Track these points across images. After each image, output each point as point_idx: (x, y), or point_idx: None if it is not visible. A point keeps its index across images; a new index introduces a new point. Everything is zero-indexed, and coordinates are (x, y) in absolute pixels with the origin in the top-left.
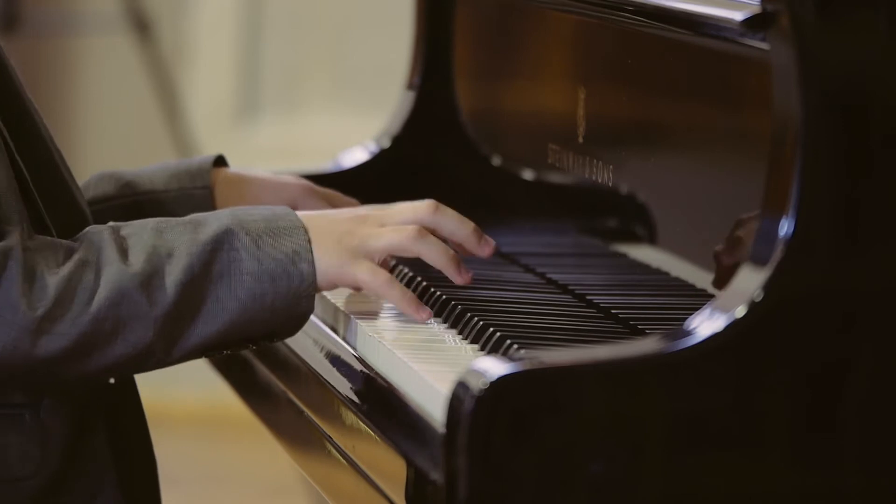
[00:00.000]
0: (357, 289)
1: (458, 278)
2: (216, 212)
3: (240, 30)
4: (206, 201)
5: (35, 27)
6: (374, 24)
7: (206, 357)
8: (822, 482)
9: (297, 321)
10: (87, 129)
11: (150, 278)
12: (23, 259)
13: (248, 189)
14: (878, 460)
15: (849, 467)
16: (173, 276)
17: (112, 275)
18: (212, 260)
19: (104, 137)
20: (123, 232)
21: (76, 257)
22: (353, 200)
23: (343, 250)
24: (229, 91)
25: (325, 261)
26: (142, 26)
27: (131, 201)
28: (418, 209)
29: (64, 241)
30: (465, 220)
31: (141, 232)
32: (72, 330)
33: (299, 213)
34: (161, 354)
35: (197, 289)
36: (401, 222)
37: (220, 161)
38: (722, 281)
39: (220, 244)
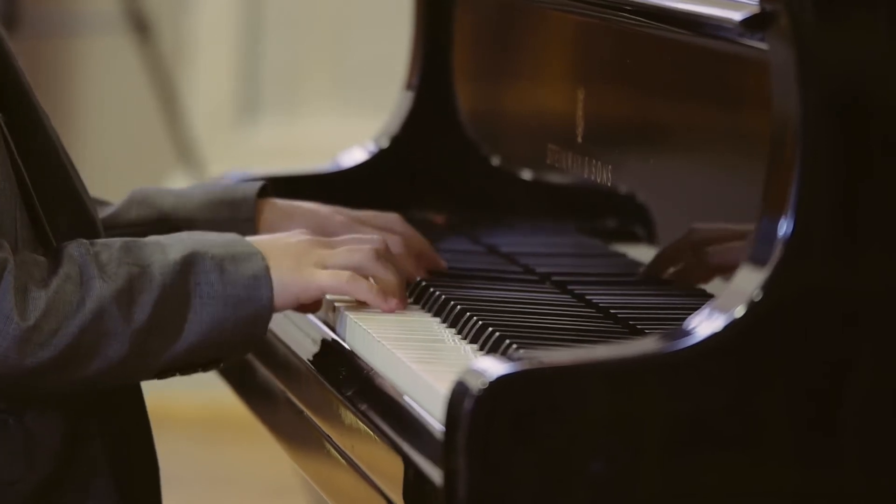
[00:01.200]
0: (319, 299)
1: (384, 306)
2: (172, 235)
3: (239, 30)
4: (250, 232)
5: (35, 27)
6: (374, 24)
7: (161, 378)
8: (822, 482)
9: (249, 345)
10: (87, 130)
11: (128, 295)
12: (15, 271)
13: (297, 220)
14: (878, 460)
15: (848, 467)
16: (147, 293)
17: (94, 290)
18: (182, 282)
19: (104, 138)
20: (95, 249)
21: (61, 272)
22: (393, 215)
23: (302, 266)
24: (229, 91)
25: (285, 280)
26: (142, 26)
27: (171, 228)
28: (363, 250)
29: (41, 258)
30: (415, 243)
31: (112, 250)
32: (58, 342)
33: (252, 239)
34: (130, 371)
35: (168, 308)
36: (344, 261)
37: (264, 190)
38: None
39: (188, 266)
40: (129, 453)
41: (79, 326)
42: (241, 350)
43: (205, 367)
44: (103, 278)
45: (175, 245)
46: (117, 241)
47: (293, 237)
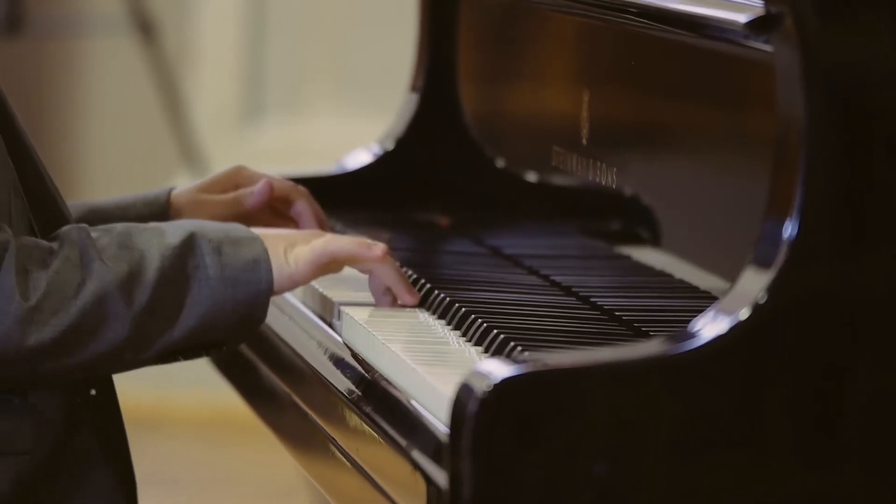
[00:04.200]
0: (331, 262)
1: (372, 254)
2: (173, 221)
3: (243, 32)
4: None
5: (38, 29)
6: (378, 26)
7: (160, 364)
8: (826, 484)
9: (250, 328)
10: (91, 131)
11: (128, 278)
12: (17, 253)
13: (208, 204)
14: (882, 462)
15: (852, 469)
16: (147, 276)
17: (94, 272)
18: (181, 265)
19: (108, 139)
20: (94, 233)
21: (62, 254)
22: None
23: (297, 250)
24: (233, 93)
25: (281, 262)
26: (145, 28)
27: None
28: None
29: (42, 241)
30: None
31: (111, 234)
32: (59, 323)
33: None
34: (129, 355)
35: (169, 291)
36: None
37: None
38: None
39: (187, 249)
40: (108, 450)
41: (80, 308)
42: (243, 333)
43: (206, 352)
44: (103, 261)
45: (174, 230)
46: (117, 226)
47: (287, 229)
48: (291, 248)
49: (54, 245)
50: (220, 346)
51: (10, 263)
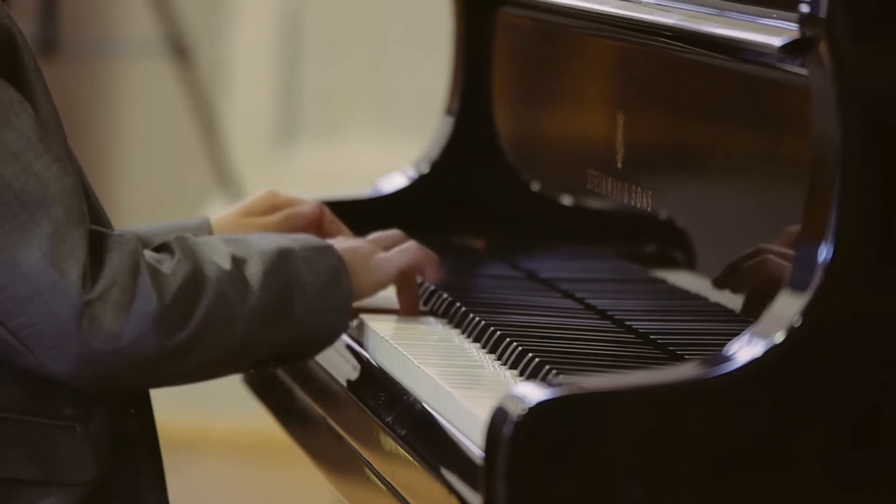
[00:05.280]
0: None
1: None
2: (251, 233)
3: (278, 54)
4: None
5: (73, 51)
6: (413, 48)
7: (255, 369)
8: None
9: (331, 337)
10: (125, 154)
11: (240, 280)
12: (145, 256)
13: (256, 229)
14: None
15: (887, 493)
16: (256, 280)
17: (212, 275)
18: (281, 270)
19: (142, 162)
20: (191, 241)
21: (177, 257)
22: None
23: (365, 259)
24: (267, 116)
25: (357, 270)
26: (180, 51)
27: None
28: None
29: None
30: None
31: (212, 241)
32: (190, 322)
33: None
34: (238, 357)
35: (273, 296)
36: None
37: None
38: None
39: (284, 256)
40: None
41: (205, 308)
42: (326, 341)
43: (293, 360)
44: (216, 264)
45: (259, 240)
46: (213, 237)
47: (345, 240)
48: (361, 257)
49: (170, 248)
50: (303, 357)
51: (144, 267)
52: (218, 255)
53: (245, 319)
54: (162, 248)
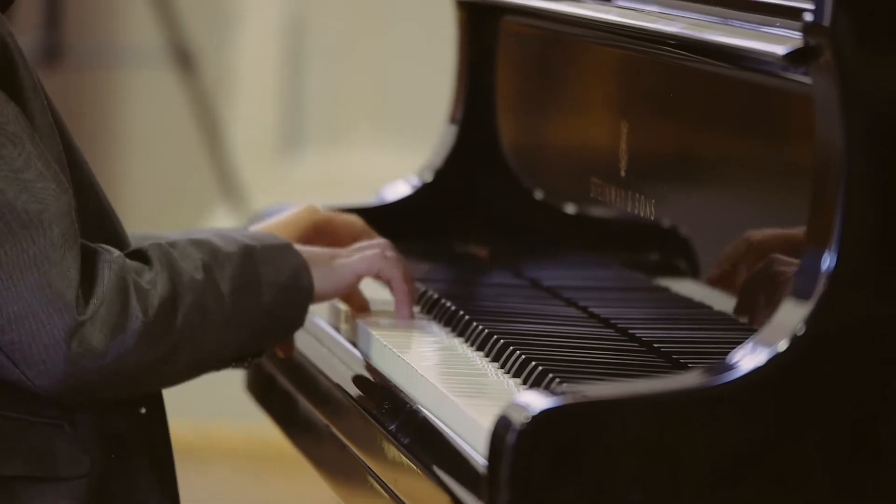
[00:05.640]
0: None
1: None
2: (213, 228)
3: (282, 62)
4: None
5: (77, 59)
6: (417, 57)
7: (211, 372)
8: None
9: (288, 333)
10: (129, 162)
11: (212, 285)
12: (130, 272)
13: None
14: None
15: (890, 502)
16: (226, 285)
17: (188, 283)
18: (249, 270)
19: (146, 170)
20: (165, 250)
21: (155, 268)
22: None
23: (328, 260)
24: (272, 123)
25: (321, 272)
26: (184, 59)
27: None
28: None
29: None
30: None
31: (180, 248)
32: (170, 335)
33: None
34: (213, 361)
35: (241, 298)
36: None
37: None
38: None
39: (249, 256)
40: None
41: (182, 318)
42: (281, 337)
43: (252, 358)
44: (190, 273)
45: (222, 241)
46: (182, 240)
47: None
48: (322, 258)
49: (146, 257)
50: (261, 353)
51: (130, 282)
52: (190, 263)
53: (217, 324)
54: (138, 255)
